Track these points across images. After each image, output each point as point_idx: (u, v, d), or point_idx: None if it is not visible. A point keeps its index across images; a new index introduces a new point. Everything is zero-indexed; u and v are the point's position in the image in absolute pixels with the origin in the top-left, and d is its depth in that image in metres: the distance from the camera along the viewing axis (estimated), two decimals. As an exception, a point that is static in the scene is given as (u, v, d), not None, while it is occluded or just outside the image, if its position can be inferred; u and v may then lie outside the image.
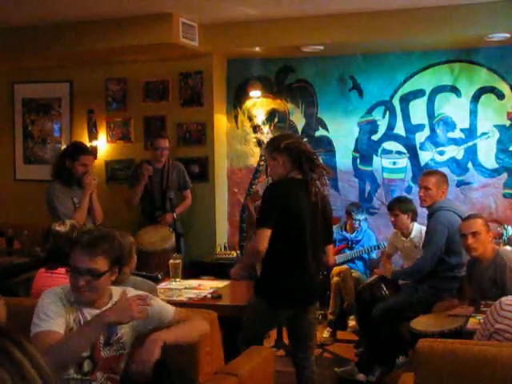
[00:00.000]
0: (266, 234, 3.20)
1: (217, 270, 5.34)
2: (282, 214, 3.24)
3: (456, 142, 5.87)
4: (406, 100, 6.00)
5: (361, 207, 5.73)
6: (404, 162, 6.05)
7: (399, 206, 4.93)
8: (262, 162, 6.30)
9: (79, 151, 4.75)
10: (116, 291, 2.52)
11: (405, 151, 6.03)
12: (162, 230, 5.38)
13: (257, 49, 5.98)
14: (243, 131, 6.49)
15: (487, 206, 5.76)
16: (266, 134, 6.40)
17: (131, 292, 2.50)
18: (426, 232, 4.49)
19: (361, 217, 5.65)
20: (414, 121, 5.99)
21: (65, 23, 5.75)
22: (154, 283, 3.65)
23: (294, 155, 3.27)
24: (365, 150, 6.14)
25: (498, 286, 3.75)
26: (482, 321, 3.13)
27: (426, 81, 5.92)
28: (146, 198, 5.72)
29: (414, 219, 5.00)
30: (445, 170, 5.72)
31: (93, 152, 4.93)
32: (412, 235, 4.99)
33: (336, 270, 5.50)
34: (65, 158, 4.72)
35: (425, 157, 5.96)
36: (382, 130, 6.09)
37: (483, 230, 3.82)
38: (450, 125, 5.89)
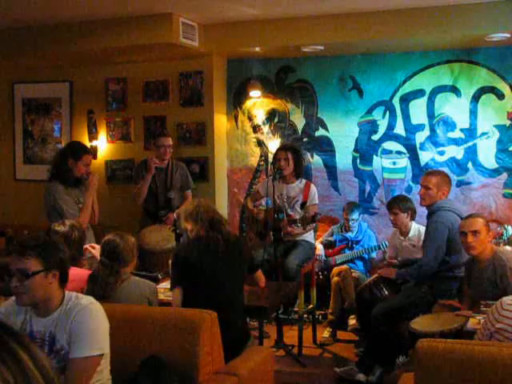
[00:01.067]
0: (177, 293, 3.63)
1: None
2: (185, 270, 3.64)
3: (456, 141, 5.87)
4: (406, 100, 6.00)
5: (354, 206, 5.72)
6: (404, 161, 6.05)
7: (399, 205, 4.94)
8: (262, 162, 6.31)
9: (82, 151, 4.73)
10: (67, 299, 2.49)
11: (405, 151, 6.03)
12: (164, 229, 5.39)
13: (257, 49, 5.98)
14: (243, 131, 6.49)
15: (487, 206, 5.75)
16: (266, 133, 6.40)
17: (81, 304, 2.45)
18: (427, 232, 4.49)
19: (353, 216, 5.65)
20: (414, 121, 5.99)
21: (65, 23, 5.75)
22: (153, 283, 3.66)
23: (196, 218, 3.75)
24: (365, 150, 6.14)
25: (497, 286, 3.75)
26: (482, 320, 3.13)
27: (426, 81, 5.92)
28: (150, 198, 5.71)
29: (413, 218, 5.01)
30: (445, 170, 5.72)
31: (91, 151, 4.92)
32: (410, 234, 5.01)
33: (336, 270, 5.50)
34: (67, 158, 4.65)
35: (425, 157, 5.96)
36: (382, 129, 6.09)
37: (484, 229, 3.83)
38: (450, 125, 5.88)
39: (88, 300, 2.51)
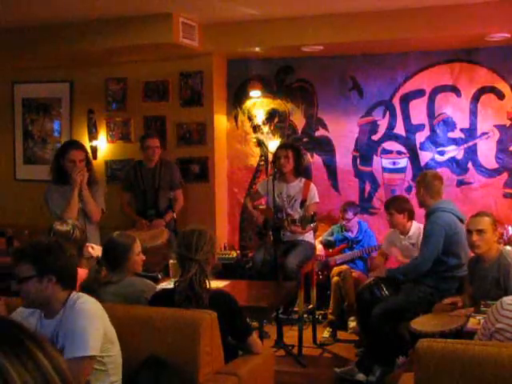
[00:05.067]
0: None
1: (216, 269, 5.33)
2: None
3: (456, 141, 5.87)
4: (405, 100, 6.00)
5: (348, 206, 5.71)
6: (404, 162, 6.04)
7: (394, 206, 4.95)
8: (262, 162, 6.31)
9: (66, 147, 4.81)
10: (70, 300, 2.50)
11: (405, 151, 6.03)
12: (153, 229, 5.42)
13: (257, 49, 5.98)
14: (243, 131, 6.48)
15: (487, 206, 5.75)
16: (266, 133, 6.40)
17: (75, 304, 2.47)
18: (424, 232, 4.50)
19: (347, 215, 5.64)
20: (414, 121, 5.99)
21: (65, 23, 5.75)
22: (152, 282, 3.65)
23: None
24: (365, 150, 6.14)
25: (500, 286, 3.75)
26: (482, 320, 3.13)
27: (426, 81, 5.92)
28: (139, 198, 5.76)
29: (410, 218, 5.01)
30: (445, 170, 5.73)
31: (83, 147, 4.93)
32: (410, 233, 5.01)
33: (336, 270, 5.50)
34: (57, 157, 4.78)
35: (425, 157, 5.96)
36: (382, 129, 6.08)
37: (490, 228, 3.82)
38: (450, 125, 5.88)
39: (82, 300, 2.50)
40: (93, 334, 2.41)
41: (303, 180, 5.33)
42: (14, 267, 2.45)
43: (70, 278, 2.52)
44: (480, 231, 3.80)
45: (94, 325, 2.44)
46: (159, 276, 4.34)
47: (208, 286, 3.07)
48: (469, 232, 3.89)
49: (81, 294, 2.56)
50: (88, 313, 2.45)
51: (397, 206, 4.95)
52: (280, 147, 5.44)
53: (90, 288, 3.24)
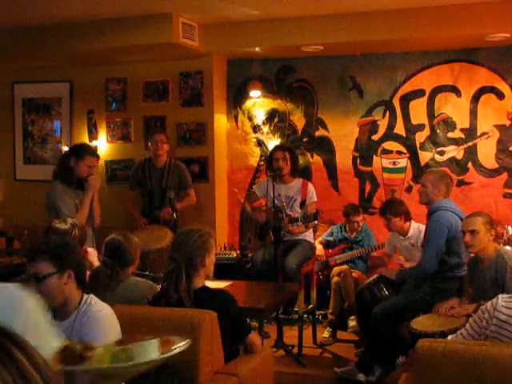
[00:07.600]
0: None
1: (217, 270, 5.33)
2: None
3: (456, 141, 5.87)
4: (405, 100, 6.00)
5: (358, 208, 5.70)
6: (404, 162, 6.05)
7: (390, 211, 4.95)
8: (262, 162, 6.31)
9: (85, 151, 4.75)
10: (84, 302, 2.48)
11: (405, 151, 6.03)
12: (159, 229, 5.42)
13: (257, 49, 5.98)
14: (243, 131, 6.49)
15: (487, 206, 5.75)
16: (266, 133, 6.40)
17: (91, 311, 2.46)
18: (426, 232, 4.49)
19: (358, 218, 5.64)
20: (414, 121, 5.99)
21: (65, 23, 5.75)
22: (153, 283, 3.65)
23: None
24: (365, 150, 6.14)
25: (498, 286, 3.75)
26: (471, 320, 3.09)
27: (426, 81, 5.92)
28: (146, 198, 5.75)
29: (407, 219, 5.00)
30: (445, 170, 5.72)
31: (98, 155, 4.95)
32: (409, 234, 5.01)
33: (336, 270, 5.50)
34: (70, 157, 4.67)
35: (425, 157, 5.96)
36: (382, 130, 6.09)
37: (482, 229, 3.81)
38: (449, 125, 5.88)
39: (98, 307, 2.48)
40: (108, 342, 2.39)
41: (301, 180, 5.34)
42: (29, 267, 2.41)
43: (83, 275, 2.52)
44: (472, 231, 3.80)
45: (110, 333, 2.42)
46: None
47: (184, 287, 3.00)
48: (462, 233, 3.90)
49: (94, 298, 2.53)
50: (105, 320, 2.44)
51: (392, 210, 4.95)
52: (277, 149, 5.44)
53: (95, 290, 3.24)
